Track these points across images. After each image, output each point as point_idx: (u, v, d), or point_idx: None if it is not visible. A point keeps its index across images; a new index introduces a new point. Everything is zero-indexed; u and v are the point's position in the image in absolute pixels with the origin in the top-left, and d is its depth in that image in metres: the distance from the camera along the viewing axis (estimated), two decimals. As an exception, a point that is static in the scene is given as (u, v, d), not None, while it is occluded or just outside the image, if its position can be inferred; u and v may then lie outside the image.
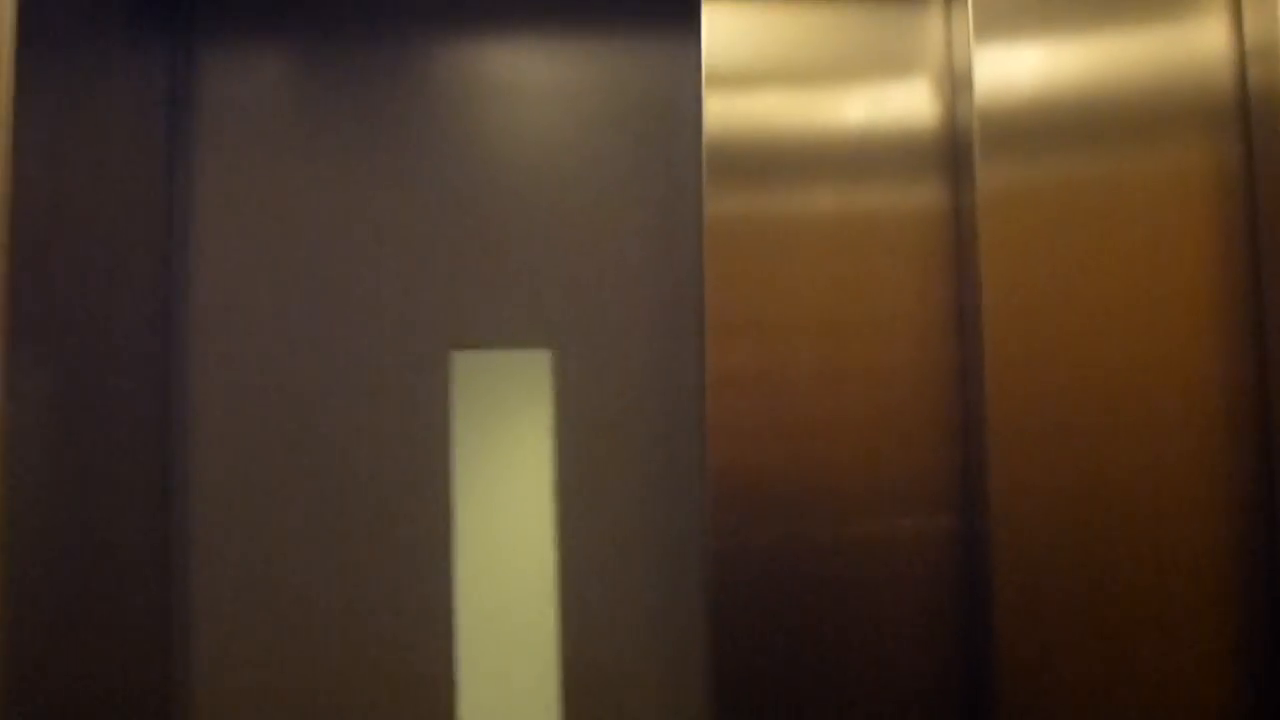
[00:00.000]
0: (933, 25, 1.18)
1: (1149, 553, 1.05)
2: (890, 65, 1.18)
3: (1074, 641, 1.04)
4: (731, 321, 1.13)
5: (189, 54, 1.32)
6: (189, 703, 1.26)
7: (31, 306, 1.00)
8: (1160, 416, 1.06)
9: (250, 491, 1.28)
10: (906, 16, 1.18)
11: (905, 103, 1.17)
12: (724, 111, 1.15)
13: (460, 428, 1.31)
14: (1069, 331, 1.06)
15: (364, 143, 1.33)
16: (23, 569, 0.98)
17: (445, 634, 1.29)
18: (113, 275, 1.18)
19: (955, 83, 1.16)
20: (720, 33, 1.16)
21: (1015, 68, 1.09)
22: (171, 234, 1.30)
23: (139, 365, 1.23)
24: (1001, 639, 1.04)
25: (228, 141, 1.32)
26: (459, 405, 1.31)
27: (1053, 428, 1.05)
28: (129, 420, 1.21)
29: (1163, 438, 1.06)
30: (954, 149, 1.16)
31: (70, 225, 1.09)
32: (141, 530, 1.23)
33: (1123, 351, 1.06)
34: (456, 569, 1.30)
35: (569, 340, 1.31)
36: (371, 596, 1.28)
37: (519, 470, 1.27)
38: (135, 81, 1.25)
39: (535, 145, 1.33)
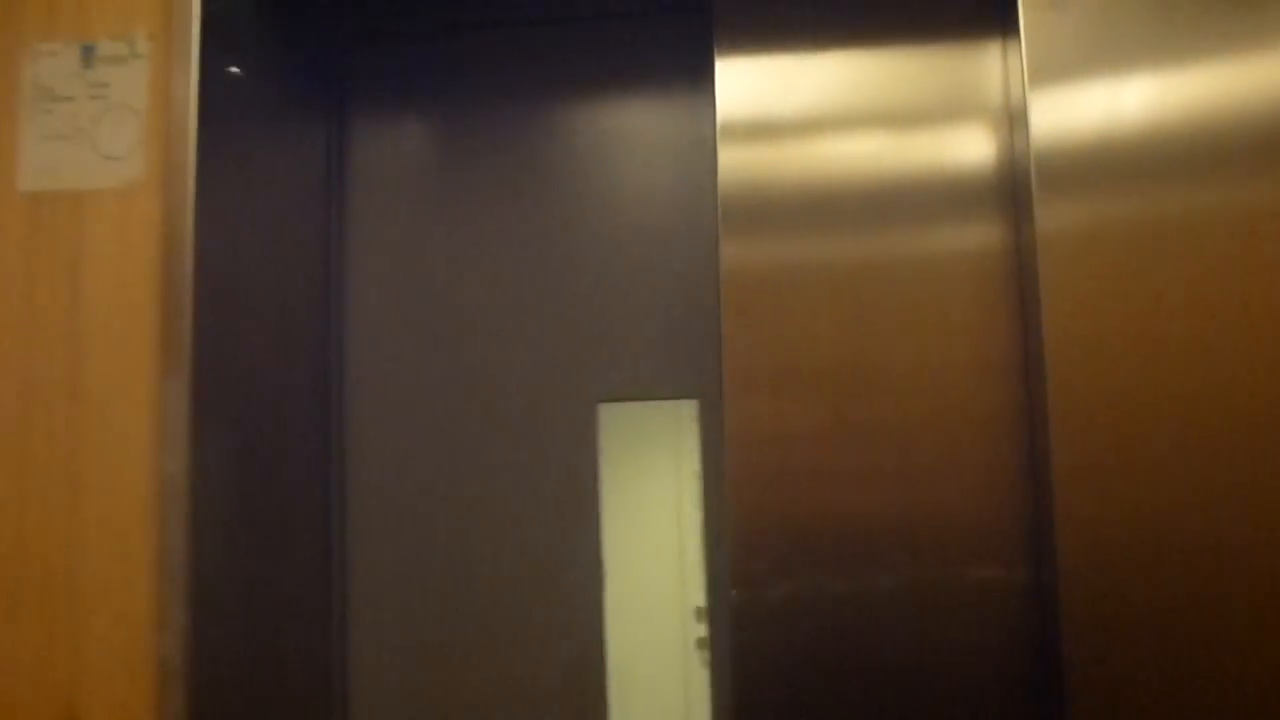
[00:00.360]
0: (982, 67, 1.16)
1: (1234, 604, 0.97)
2: (925, 110, 1.16)
3: (1156, 703, 0.98)
4: (753, 371, 1.13)
5: (342, 131, 1.43)
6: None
7: (214, 373, 1.09)
8: (1235, 457, 0.98)
9: (405, 536, 1.37)
10: (938, 61, 1.17)
11: (941, 147, 1.15)
12: (741, 163, 1.16)
13: (607, 477, 1.33)
14: (1137, 371, 1.01)
15: (504, 204, 1.40)
16: (205, 612, 1.06)
17: (597, 680, 1.31)
18: (279, 340, 1.26)
19: (1012, 122, 1.13)
20: (734, 85, 1.17)
21: (1073, 108, 1.05)
22: (330, 298, 1.38)
23: (304, 423, 1.32)
24: (1074, 700, 0.99)
25: (379, 207, 1.41)
26: (606, 456, 1.33)
27: (1122, 471, 1.00)
28: (296, 475, 1.30)
29: (1238, 478, 0.98)
30: (998, 191, 1.13)
31: (244, 296, 1.17)
32: (306, 577, 1.31)
33: (1196, 390, 0.99)
34: (606, 617, 1.32)
35: (715, 389, 1.31)
36: (523, 643, 1.33)
37: (666, 518, 1.28)
38: (296, 157, 1.35)
39: (669, 201, 1.35)
